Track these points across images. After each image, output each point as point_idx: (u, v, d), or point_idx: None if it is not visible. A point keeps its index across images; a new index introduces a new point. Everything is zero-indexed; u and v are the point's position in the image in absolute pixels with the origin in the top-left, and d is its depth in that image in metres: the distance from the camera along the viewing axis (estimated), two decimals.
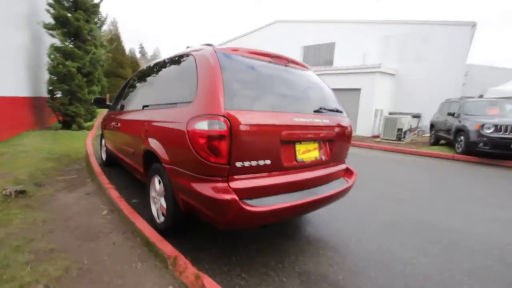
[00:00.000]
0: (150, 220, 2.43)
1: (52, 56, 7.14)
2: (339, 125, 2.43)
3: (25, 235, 2.13)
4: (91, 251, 1.97)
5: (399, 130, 10.51)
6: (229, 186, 1.73)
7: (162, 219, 2.32)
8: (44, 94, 7.82)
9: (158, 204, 2.37)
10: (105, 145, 4.54)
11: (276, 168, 1.94)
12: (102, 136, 4.81)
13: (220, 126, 1.67)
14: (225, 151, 1.69)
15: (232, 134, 1.69)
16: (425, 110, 13.98)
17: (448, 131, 8.19)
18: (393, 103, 14.82)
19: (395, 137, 10.49)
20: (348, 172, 2.69)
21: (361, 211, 3.17)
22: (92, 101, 4.27)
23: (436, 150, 8.07)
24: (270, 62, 2.26)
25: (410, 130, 11.92)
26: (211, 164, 1.70)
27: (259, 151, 1.83)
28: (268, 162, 1.88)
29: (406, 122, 11.06)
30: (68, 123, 8.01)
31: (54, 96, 7.71)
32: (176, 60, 2.40)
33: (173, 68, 2.42)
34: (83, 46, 7.75)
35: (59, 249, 1.96)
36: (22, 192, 2.98)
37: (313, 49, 17.96)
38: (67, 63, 7.14)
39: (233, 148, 1.70)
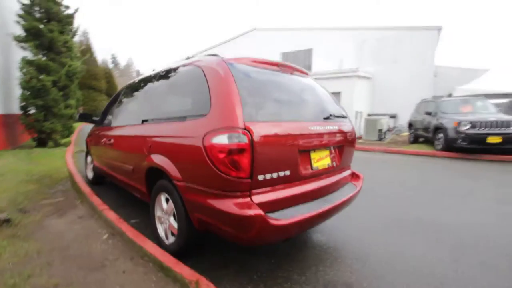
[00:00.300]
0: (157, 241, 2.29)
1: (24, 70, 6.69)
2: (345, 131, 2.45)
3: (20, 270, 1.91)
4: (100, 282, 1.80)
5: (380, 130, 10.93)
6: (252, 201, 1.66)
7: (172, 239, 2.19)
8: (15, 110, 7.28)
9: (166, 224, 2.24)
10: (92, 162, 4.28)
11: (295, 178, 1.91)
12: (87, 153, 4.53)
13: (240, 139, 1.61)
14: (247, 164, 1.63)
15: (253, 147, 1.64)
16: (399, 110, 14.68)
17: (426, 129, 8.61)
18: (370, 104, 15.42)
19: (377, 137, 10.88)
20: (354, 177, 2.71)
21: (363, 214, 3.20)
22: (78, 117, 4.02)
23: (418, 148, 8.44)
24: (277, 70, 2.24)
25: (389, 130, 12.45)
26: (232, 179, 1.63)
27: (279, 162, 1.79)
28: (287, 173, 1.84)
29: (385, 123, 11.54)
30: (43, 140, 7.50)
31: (28, 112, 7.19)
32: (179, 71, 2.31)
33: (175, 80, 2.32)
34: (58, 58, 7.34)
35: (63, 283, 1.77)
36: (7, 220, 2.70)
37: (291, 55, 18.32)
38: (41, 77, 6.72)
39: (254, 161, 1.64)
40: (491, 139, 6.41)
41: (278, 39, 18.43)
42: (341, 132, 2.37)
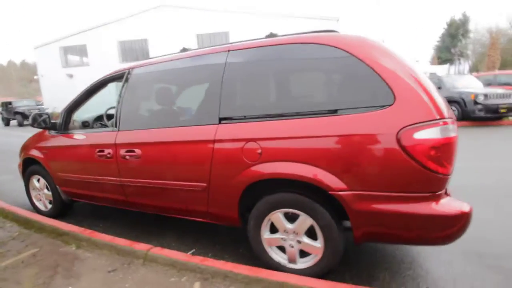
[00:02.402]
0: (265, 267, 1.84)
1: None
2: None
3: None
4: None
5: None
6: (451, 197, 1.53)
7: (305, 262, 1.80)
8: None
9: (292, 246, 1.79)
10: (46, 187, 2.91)
11: None
12: (31, 175, 3.04)
13: (453, 131, 1.45)
14: (454, 158, 1.47)
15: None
16: None
17: None
18: None
19: None
20: None
21: None
22: (32, 121, 2.57)
23: None
24: None
25: None
26: (440, 177, 1.43)
27: None
28: None
29: None
30: None
31: None
32: (288, 51, 1.76)
33: (288, 63, 1.76)
34: None
35: None
36: None
37: (207, 38, 17.40)
38: None
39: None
40: None
41: (191, 19, 17.03)
42: None
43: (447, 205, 1.47)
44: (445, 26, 42.97)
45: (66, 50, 20.10)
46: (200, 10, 17.06)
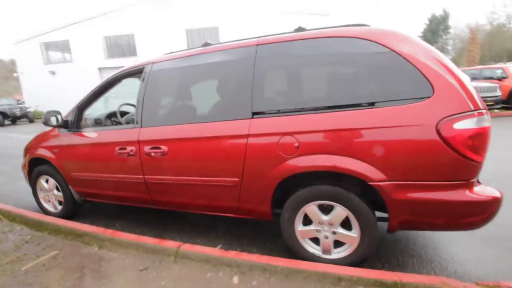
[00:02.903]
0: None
1: None
2: None
3: None
4: None
5: None
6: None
7: (339, 252, 1.85)
8: None
9: (327, 238, 1.83)
10: (55, 188, 2.82)
11: None
12: (38, 175, 2.92)
13: (488, 121, 1.52)
14: (487, 147, 1.54)
15: None
16: None
17: None
18: None
19: None
20: None
21: None
22: (44, 119, 2.46)
23: None
24: None
25: None
26: (475, 165, 1.51)
27: None
28: None
29: None
30: None
31: None
32: (318, 45, 1.78)
33: (320, 57, 1.78)
34: None
35: None
36: None
37: (196, 33, 17.08)
38: None
39: None
40: None
41: (179, 13, 16.62)
42: None
43: (481, 191, 1.54)
44: (427, 22, 44.19)
45: (48, 46, 19.19)
46: (188, 4, 16.69)
